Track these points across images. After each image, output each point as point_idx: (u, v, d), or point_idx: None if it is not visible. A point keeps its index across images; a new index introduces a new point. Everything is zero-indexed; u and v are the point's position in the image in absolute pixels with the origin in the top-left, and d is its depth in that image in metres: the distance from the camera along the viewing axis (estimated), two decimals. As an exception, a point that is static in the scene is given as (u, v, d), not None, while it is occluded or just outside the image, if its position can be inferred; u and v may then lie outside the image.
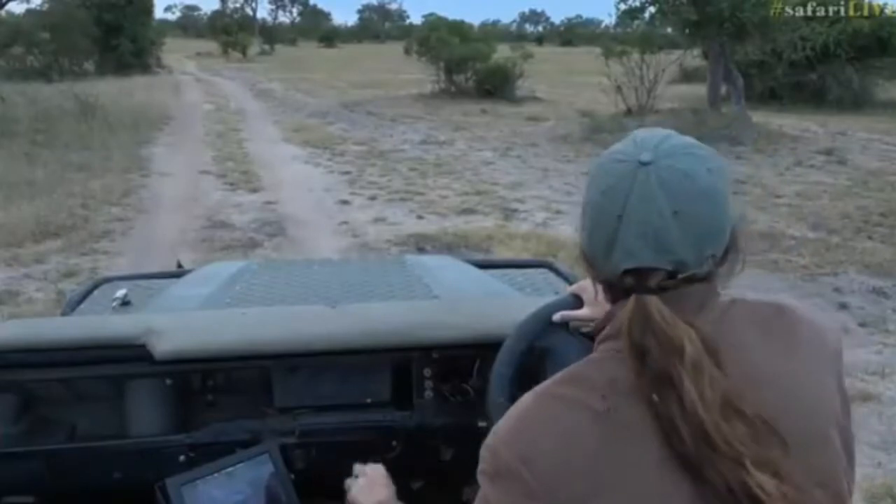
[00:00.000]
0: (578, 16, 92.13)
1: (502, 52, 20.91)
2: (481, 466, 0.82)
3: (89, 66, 24.31)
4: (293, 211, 7.20)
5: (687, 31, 12.45)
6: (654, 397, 0.73)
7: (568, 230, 6.62)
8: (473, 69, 18.61)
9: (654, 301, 0.77)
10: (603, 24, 76.77)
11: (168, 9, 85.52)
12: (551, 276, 2.08)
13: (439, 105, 16.76)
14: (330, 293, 1.80)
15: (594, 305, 1.08)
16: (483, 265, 2.22)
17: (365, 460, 1.26)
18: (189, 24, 76.76)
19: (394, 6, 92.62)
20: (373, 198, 7.83)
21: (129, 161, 9.29)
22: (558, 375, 0.82)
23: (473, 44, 19.47)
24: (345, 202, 7.64)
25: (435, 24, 23.27)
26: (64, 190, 7.39)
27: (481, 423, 1.22)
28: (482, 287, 1.92)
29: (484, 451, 0.82)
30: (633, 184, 0.76)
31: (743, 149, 10.65)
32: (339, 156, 10.40)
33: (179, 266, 2.53)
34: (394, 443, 1.33)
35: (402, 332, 1.33)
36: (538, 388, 0.83)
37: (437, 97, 18.16)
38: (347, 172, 9.19)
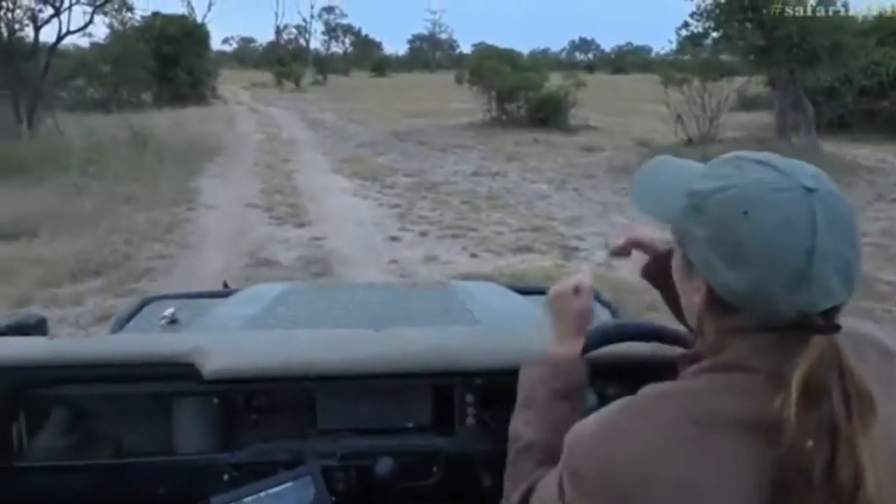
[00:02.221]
0: (629, 43, 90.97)
1: (554, 81, 20.55)
2: (563, 457, 0.83)
3: (147, 97, 24.86)
4: (340, 247, 6.90)
5: (752, 56, 11.86)
6: (809, 443, 0.70)
7: (634, 272, 6.13)
8: (525, 98, 18.27)
9: (838, 342, 0.74)
10: (653, 52, 76.28)
11: (225, 41, 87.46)
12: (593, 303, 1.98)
13: (491, 134, 16.44)
14: (372, 316, 1.81)
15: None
16: (524, 291, 2.22)
17: (405, 485, 1.28)
18: (245, 56, 78.50)
19: (444, 36, 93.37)
20: (423, 234, 7.48)
21: (177, 193, 9.17)
22: (649, 390, 0.81)
23: (525, 72, 19.15)
24: (394, 238, 7.31)
25: (486, 52, 23.11)
26: (109, 224, 7.23)
27: None
28: (524, 313, 1.91)
29: (565, 446, 0.83)
30: (814, 215, 0.73)
31: (817, 181, 9.98)
32: (389, 188, 10.13)
33: (226, 286, 2.57)
34: (434, 468, 1.31)
35: (445, 357, 1.32)
36: (627, 400, 0.81)
37: (489, 126, 17.86)
38: (397, 206, 8.88)
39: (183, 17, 30.51)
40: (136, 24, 25.13)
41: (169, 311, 1.90)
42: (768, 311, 0.75)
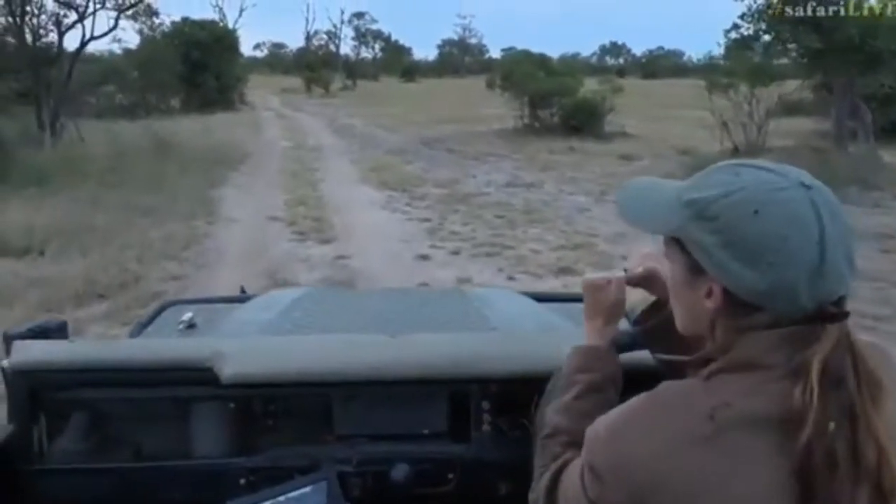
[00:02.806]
0: (660, 47, 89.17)
1: (588, 86, 19.88)
2: (584, 450, 0.84)
3: (175, 103, 24.71)
4: (367, 266, 6.38)
5: (805, 60, 11.10)
6: (831, 426, 0.71)
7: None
8: (559, 104, 17.64)
9: (848, 328, 0.76)
10: (686, 56, 74.61)
11: (257, 46, 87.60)
12: None
13: (523, 142, 15.85)
14: (388, 322, 1.80)
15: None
16: (540, 298, 2.20)
17: (420, 491, 1.28)
18: (276, 61, 78.50)
19: (473, 40, 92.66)
20: (455, 252, 6.94)
21: (197, 205, 8.75)
22: (666, 387, 0.82)
23: (560, 77, 18.53)
24: (424, 257, 6.78)
25: (516, 57, 22.56)
26: (122, 240, 6.79)
27: None
28: (540, 320, 1.91)
29: (585, 439, 0.85)
30: (817, 207, 0.75)
31: (880, 194, 9.24)
32: (419, 199, 9.61)
33: (243, 291, 2.56)
34: (450, 475, 1.29)
35: (461, 364, 1.31)
36: (644, 396, 0.82)
37: (521, 133, 17.28)
38: (427, 220, 8.35)
39: (213, 22, 30.46)
40: (166, 29, 25.11)
41: (187, 316, 1.92)
42: (790, 305, 0.75)
